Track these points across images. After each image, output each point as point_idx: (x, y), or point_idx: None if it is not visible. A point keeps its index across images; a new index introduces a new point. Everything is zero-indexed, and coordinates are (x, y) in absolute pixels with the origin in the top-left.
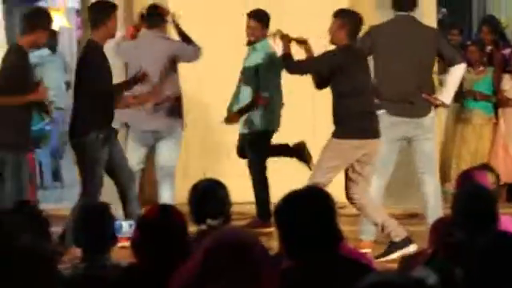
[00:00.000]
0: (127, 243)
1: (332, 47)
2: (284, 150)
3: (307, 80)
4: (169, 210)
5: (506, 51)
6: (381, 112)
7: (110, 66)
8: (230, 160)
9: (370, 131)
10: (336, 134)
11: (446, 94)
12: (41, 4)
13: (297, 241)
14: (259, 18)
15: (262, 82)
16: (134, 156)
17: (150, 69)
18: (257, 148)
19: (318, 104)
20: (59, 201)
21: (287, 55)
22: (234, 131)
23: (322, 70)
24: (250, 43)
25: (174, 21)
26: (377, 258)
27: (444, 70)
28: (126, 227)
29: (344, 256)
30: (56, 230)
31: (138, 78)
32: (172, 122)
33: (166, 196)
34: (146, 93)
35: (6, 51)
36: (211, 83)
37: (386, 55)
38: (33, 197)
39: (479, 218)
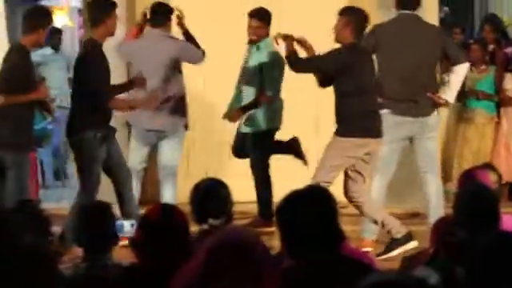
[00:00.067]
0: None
1: (336, 45)
2: (281, 148)
3: (310, 78)
4: (170, 209)
5: (509, 50)
6: (385, 111)
7: (108, 64)
8: (232, 159)
9: (373, 130)
10: (339, 133)
11: (450, 93)
12: (43, 3)
13: (298, 240)
14: (261, 17)
15: (266, 81)
16: (136, 155)
17: (154, 68)
18: (260, 147)
19: (321, 102)
20: (61, 200)
21: (292, 54)
22: None
23: (328, 69)
24: (251, 42)
25: (179, 19)
26: (378, 255)
27: (446, 70)
28: (128, 227)
29: (346, 256)
30: (57, 229)
31: (135, 83)
32: (175, 122)
33: (168, 195)
34: (143, 99)
35: (7, 51)
36: (215, 83)
37: (389, 54)
38: (35, 196)
39: (481, 217)
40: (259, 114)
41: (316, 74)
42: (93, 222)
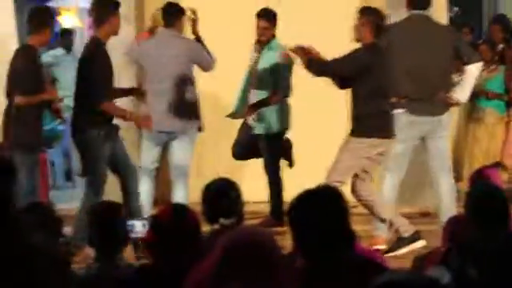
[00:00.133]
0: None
1: (351, 45)
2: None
3: (321, 79)
4: (182, 209)
5: None
6: (398, 111)
7: (111, 63)
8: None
9: (388, 131)
10: (355, 133)
11: (462, 93)
12: (51, 4)
13: (310, 240)
14: (269, 18)
15: (280, 80)
16: (148, 155)
17: (164, 67)
18: (272, 148)
19: (332, 103)
20: (71, 200)
21: (310, 61)
22: None
23: (349, 71)
24: (259, 43)
25: (193, 23)
26: (385, 253)
27: (457, 69)
28: (139, 227)
29: (357, 255)
30: (68, 229)
31: (135, 93)
32: (185, 122)
33: (179, 195)
34: (138, 117)
35: (15, 52)
36: (225, 83)
37: (402, 54)
38: (45, 197)
39: (492, 216)
40: (271, 115)
41: (334, 77)
42: (104, 222)
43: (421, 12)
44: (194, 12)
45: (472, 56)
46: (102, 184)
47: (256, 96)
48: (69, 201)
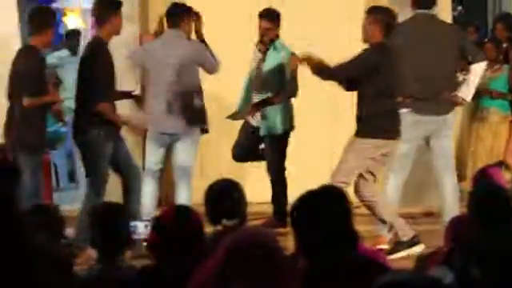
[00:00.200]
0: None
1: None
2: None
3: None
4: (185, 211)
5: None
6: (404, 110)
7: (113, 63)
8: None
9: (394, 131)
10: (360, 134)
11: (467, 92)
12: (55, 5)
13: (313, 241)
14: (272, 18)
15: (286, 81)
16: (152, 156)
17: (166, 68)
18: (277, 149)
19: (336, 104)
20: (75, 202)
21: (321, 68)
22: None
23: (359, 73)
24: (263, 43)
25: (197, 24)
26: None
27: (461, 68)
28: (142, 228)
29: (360, 256)
30: (71, 231)
31: (132, 96)
32: (187, 124)
33: (182, 196)
34: (131, 123)
35: (16, 54)
36: (229, 83)
37: (408, 53)
38: (48, 199)
39: (495, 216)
40: (275, 115)
41: (343, 80)
42: (106, 223)
43: (426, 11)
44: (197, 14)
45: (476, 55)
46: (104, 184)
47: (260, 96)
48: (72, 202)
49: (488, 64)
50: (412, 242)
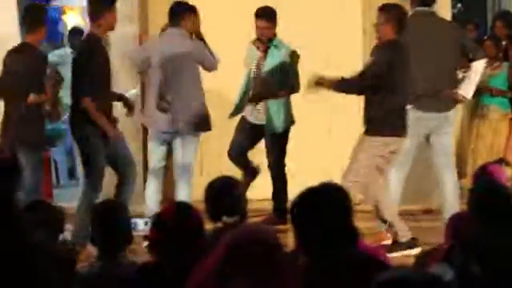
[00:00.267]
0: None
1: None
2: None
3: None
4: (185, 208)
5: None
6: (407, 107)
7: (109, 59)
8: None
9: (402, 129)
10: (370, 132)
11: (467, 89)
12: (55, 3)
13: (313, 237)
14: (269, 17)
15: (289, 79)
16: (154, 154)
17: (166, 64)
18: (278, 147)
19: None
20: (74, 199)
21: (339, 84)
22: None
23: (382, 76)
24: (262, 42)
25: (195, 24)
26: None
27: (461, 66)
28: (141, 225)
29: (360, 252)
30: (70, 227)
31: (123, 100)
32: (187, 122)
33: (183, 194)
34: (111, 128)
35: (9, 52)
36: (228, 81)
37: (409, 50)
38: (49, 196)
39: (495, 213)
40: (278, 115)
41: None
42: (106, 220)
43: (425, 9)
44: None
45: (477, 53)
46: (100, 179)
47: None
48: (72, 199)
49: (487, 61)
50: (410, 245)
